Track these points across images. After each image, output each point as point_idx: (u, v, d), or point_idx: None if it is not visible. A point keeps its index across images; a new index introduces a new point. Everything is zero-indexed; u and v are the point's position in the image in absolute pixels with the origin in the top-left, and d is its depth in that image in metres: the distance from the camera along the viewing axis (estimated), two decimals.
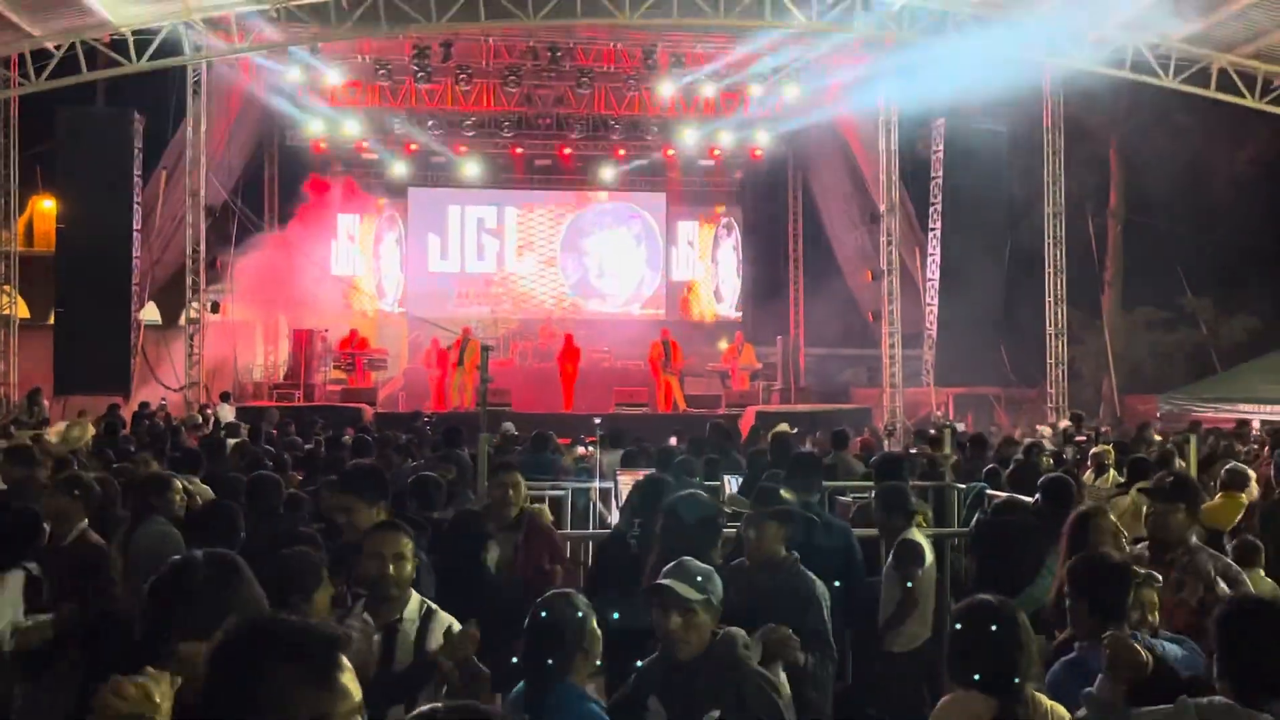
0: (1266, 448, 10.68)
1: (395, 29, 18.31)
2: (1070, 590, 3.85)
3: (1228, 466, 8.74)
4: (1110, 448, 10.99)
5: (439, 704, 2.06)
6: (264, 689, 1.92)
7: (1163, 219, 26.19)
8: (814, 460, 7.44)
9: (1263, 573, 5.95)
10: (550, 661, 3.33)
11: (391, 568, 4.07)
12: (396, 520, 4.46)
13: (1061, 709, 3.32)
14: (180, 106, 20.38)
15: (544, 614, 3.42)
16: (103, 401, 17.19)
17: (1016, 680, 3.26)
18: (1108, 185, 28.07)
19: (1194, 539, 5.01)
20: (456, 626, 4.08)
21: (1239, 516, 7.78)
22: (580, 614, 3.43)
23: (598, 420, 13.95)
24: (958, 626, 3.41)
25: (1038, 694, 3.29)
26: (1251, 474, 8.91)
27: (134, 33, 17.39)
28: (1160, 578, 4.15)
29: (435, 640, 4.00)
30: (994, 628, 3.30)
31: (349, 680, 1.99)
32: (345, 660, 2.00)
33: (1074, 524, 5.01)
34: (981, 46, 18.48)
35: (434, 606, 4.16)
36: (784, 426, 12.27)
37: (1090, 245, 25.58)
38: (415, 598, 4.14)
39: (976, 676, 3.28)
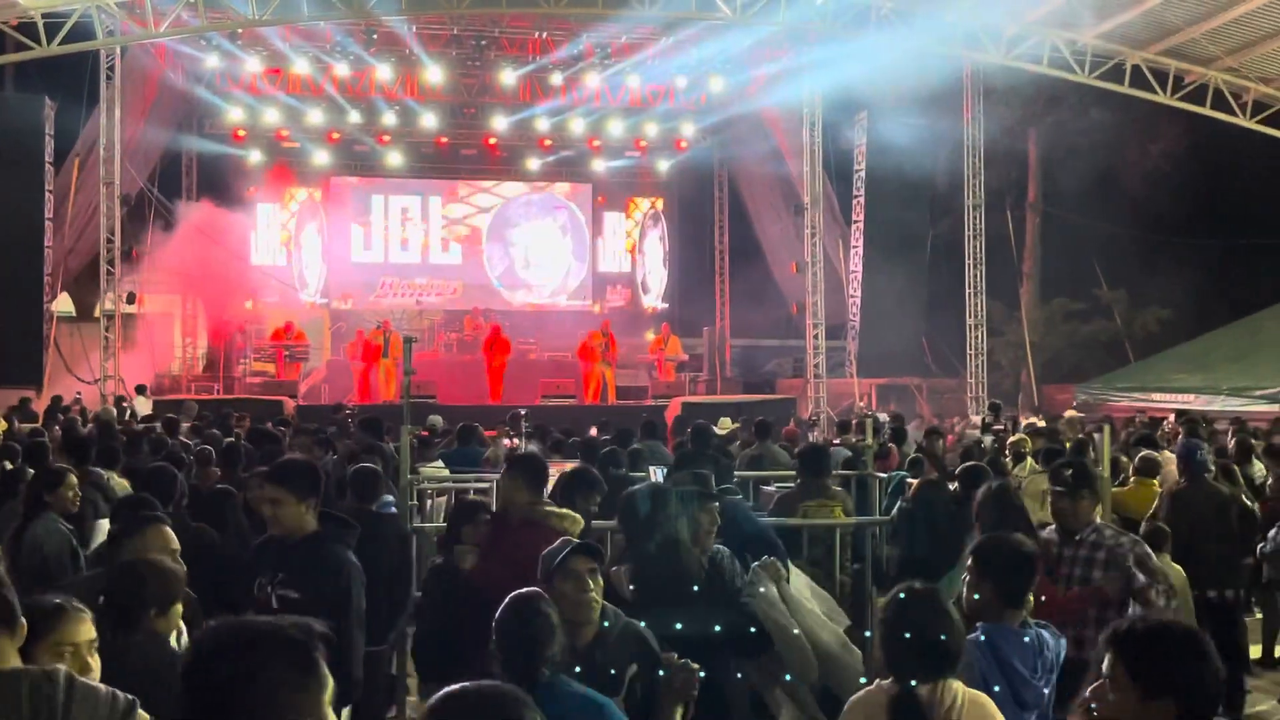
0: (1179, 436, 10.99)
1: (316, 17, 18.04)
2: (976, 571, 3.85)
3: (1141, 454, 8.98)
4: (1027, 437, 11.21)
5: (468, 683, 2.05)
6: (254, 689, 1.91)
7: (1079, 212, 26.75)
8: (698, 454, 7.60)
9: (1169, 558, 6.11)
10: (537, 658, 3.36)
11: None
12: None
13: (981, 695, 3.33)
14: (93, 92, 19.89)
15: (523, 614, 3.45)
16: (14, 395, 16.76)
17: (945, 667, 3.28)
18: (1026, 179, 28.61)
19: (1097, 518, 5.22)
20: None
21: (1154, 503, 7.99)
22: (552, 612, 3.50)
23: (523, 411, 13.90)
24: (886, 617, 3.42)
25: (951, 680, 3.30)
26: (1170, 458, 9.18)
27: (44, 16, 16.91)
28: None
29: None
30: (921, 616, 3.32)
31: (325, 668, 1.99)
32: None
33: (985, 502, 5.10)
34: (903, 41, 18.72)
35: None
36: (726, 421, 12.30)
37: (1009, 238, 26.04)
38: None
39: (906, 665, 3.30)
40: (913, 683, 3.24)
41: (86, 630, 3.02)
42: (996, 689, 3.59)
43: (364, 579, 4.69)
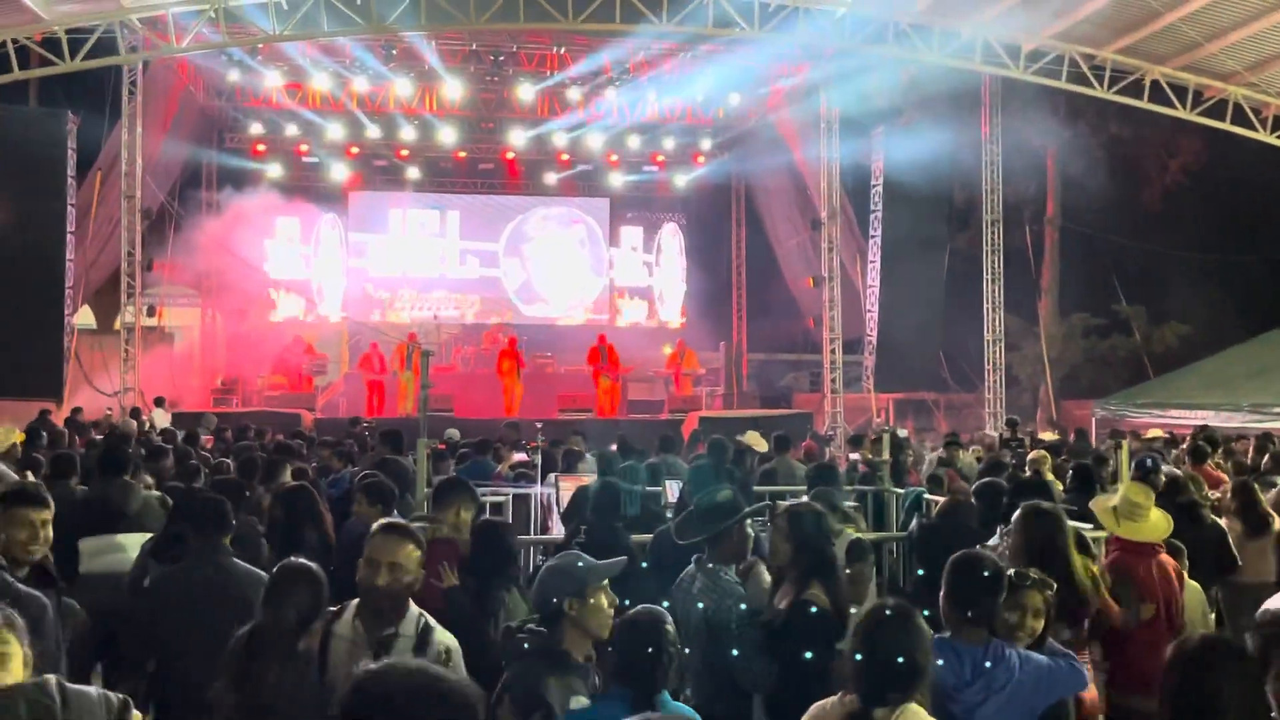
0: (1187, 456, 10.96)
1: (336, 32, 18.15)
2: (943, 584, 3.86)
3: (1166, 471, 8.92)
4: (1046, 454, 11.14)
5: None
6: None
7: (1097, 227, 26.66)
8: (716, 469, 7.85)
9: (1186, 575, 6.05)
10: (659, 674, 3.45)
11: (385, 577, 3.85)
12: (402, 523, 4.22)
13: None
14: (116, 107, 20.06)
15: (645, 629, 3.51)
16: (35, 407, 16.86)
17: (906, 690, 3.21)
18: (1045, 194, 28.53)
19: None
20: (455, 647, 3.86)
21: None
22: (671, 627, 3.56)
23: (539, 425, 13.93)
24: (856, 634, 3.37)
25: (911, 705, 3.20)
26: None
27: (68, 31, 17.06)
28: (1053, 583, 4.14)
29: (432, 658, 3.78)
30: (888, 637, 3.28)
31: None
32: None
33: (1025, 526, 5.02)
34: (920, 56, 18.72)
35: (433, 622, 3.92)
36: (753, 434, 12.22)
37: (1027, 253, 25.96)
38: (414, 611, 3.91)
39: (866, 684, 3.25)
40: (900, 702, 3.20)
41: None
42: None
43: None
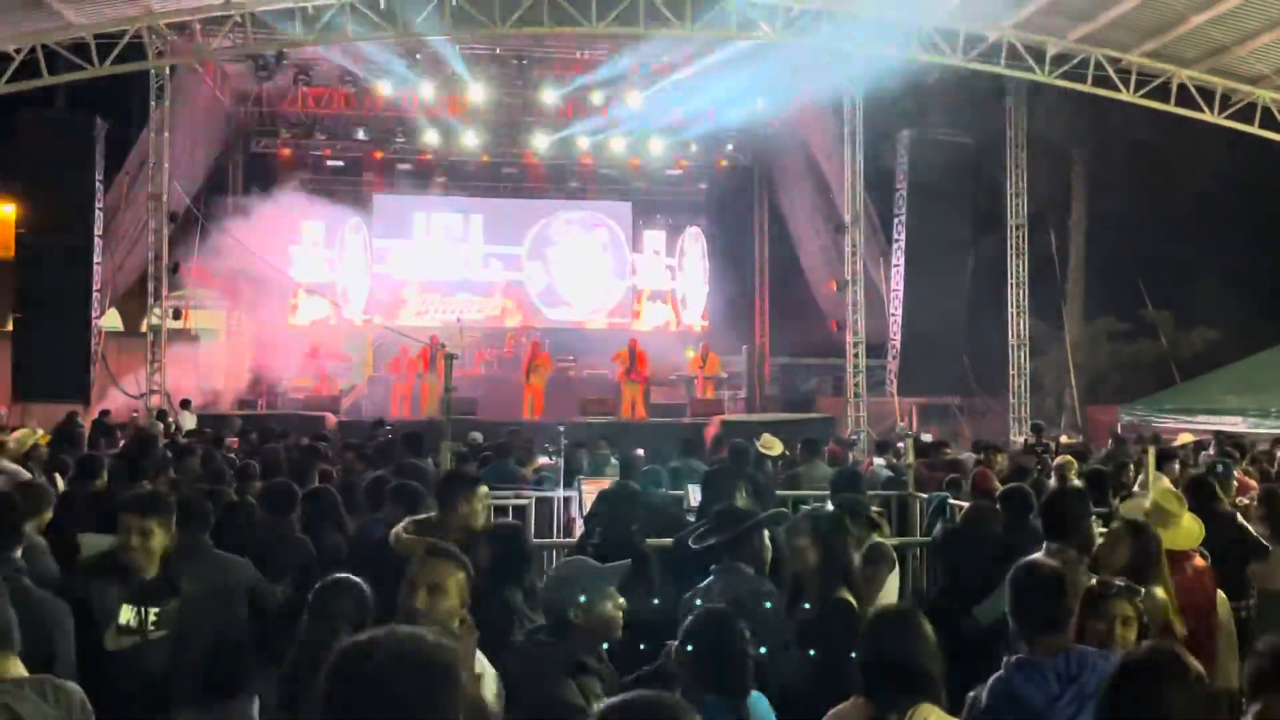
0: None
1: (361, 37, 18.24)
2: (1007, 602, 3.80)
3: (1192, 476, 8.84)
4: (1073, 458, 11.07)
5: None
6: (389, 701, 1.96)
7: (1124, 231, 26.47)
8: (735, 472, 7.77)
9: None
10: (746, 674, 3.44)
11: (423, 599, 3.71)
12: (447, 547, 4.07)
13: None
14: (143, 111, 20.20)
15: (721, 630, 3.48)
16: (62, 409, 17.01)
17: (916, 691, 3.20)
18: (1070, 197, 28.35)
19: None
20: (490, 670, 3.73)
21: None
22: (743, 624, 3.54)
23: (561, 428, 13.93)
24: (862, 637, 3.38)
25: (925, 705, 3.20)
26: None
27: (96, 36, 17.20)
28: (1141, 590, 4.04)
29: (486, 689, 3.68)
30: (894, 638, 3.28)
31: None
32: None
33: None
34: (946, 59, 18.65)
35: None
36: (767, 437, 12.19)
37: (1052, 257, 25.81)
38: None
39: (876, 686, 3.26)
40: (906, 707, 3.19)
41: None
42: None
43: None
